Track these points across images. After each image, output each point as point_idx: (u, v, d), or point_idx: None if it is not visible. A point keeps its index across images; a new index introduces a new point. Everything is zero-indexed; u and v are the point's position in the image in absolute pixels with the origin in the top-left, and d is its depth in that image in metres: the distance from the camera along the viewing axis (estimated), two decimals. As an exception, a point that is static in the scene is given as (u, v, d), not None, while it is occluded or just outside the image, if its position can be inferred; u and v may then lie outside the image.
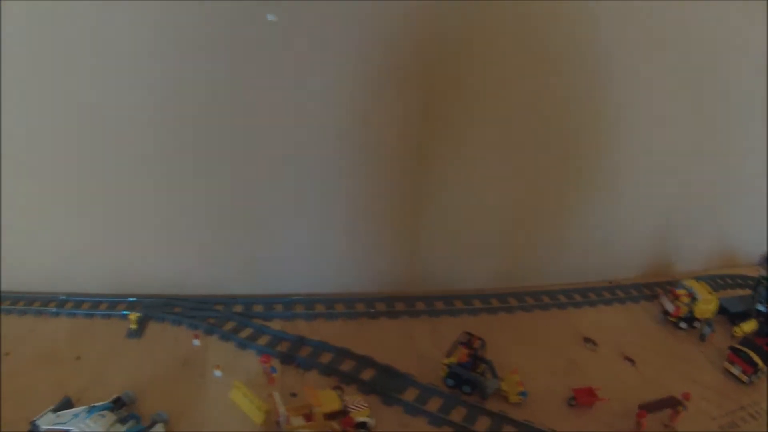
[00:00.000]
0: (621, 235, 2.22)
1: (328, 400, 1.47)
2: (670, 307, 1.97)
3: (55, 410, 1.44)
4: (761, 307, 2.01)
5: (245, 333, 1.78)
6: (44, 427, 1.39)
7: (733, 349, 1.80)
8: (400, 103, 1.80)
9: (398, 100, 1.79)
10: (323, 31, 1.68)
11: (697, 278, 2.08)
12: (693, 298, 1.96)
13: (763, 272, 2.12)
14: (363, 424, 1.47)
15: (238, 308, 1.90)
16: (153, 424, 1.41)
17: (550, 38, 1.81)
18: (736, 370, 1.77)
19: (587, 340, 1.88)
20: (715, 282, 2.26)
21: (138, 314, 1.78)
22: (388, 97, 1.78)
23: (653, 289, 2.19)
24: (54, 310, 1.87)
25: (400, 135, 1.85)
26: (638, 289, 2.20)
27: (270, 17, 1.64)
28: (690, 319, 1.96)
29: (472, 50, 1.78)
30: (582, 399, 1.61)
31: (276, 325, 1.84)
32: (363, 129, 1.82)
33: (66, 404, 1.47)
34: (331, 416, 1.44)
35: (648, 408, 1.57)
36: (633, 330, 1.97)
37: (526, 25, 1.77)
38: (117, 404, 1.45)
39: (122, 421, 1.40)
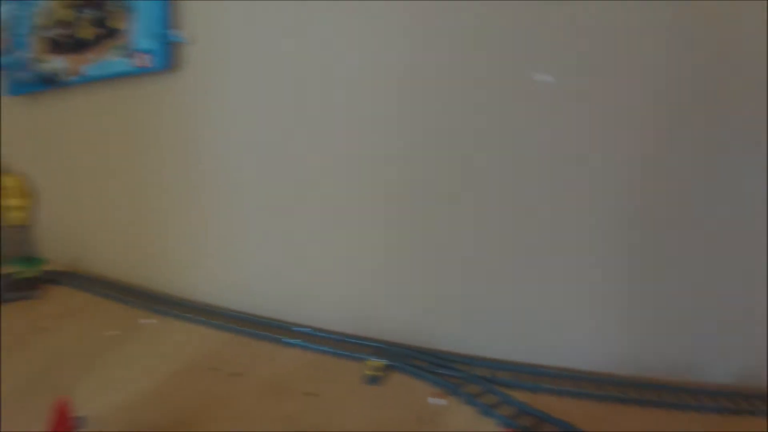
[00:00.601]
0: None
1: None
2: None
3: (285, 446, 1.35)
4: None
5: (489, 400, 1.58)
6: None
7: None
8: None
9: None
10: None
11: None
12: None
13: None
14: None
15: (482, 371, 1.71)
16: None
17: None
18: None
19: None
20: None
21: (381, 362, 1.69)
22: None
23: None
24: (291, 340, 1.84)
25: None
26: None
27: (541, 77, 1.50)
28: None
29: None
30: None
31: (520, 395, 1.62)
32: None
33: (297, 442, 1.36)
34: None
35: None
36: None
37: None
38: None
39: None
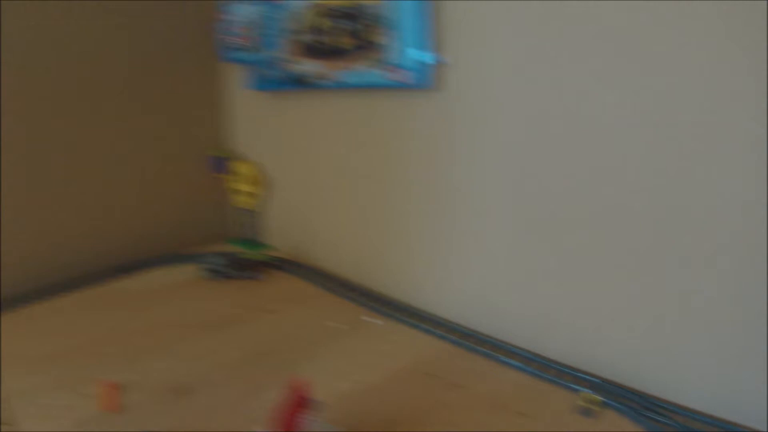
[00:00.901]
0: None
1: None
2: None
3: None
4: None
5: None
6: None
7: None
8: None
9: None
10: None
11: None
12: None
13: None
14: None
15: (685, 420, 1.63)
16: None
17: None
18: None
19: None
20: None
21: (594, 396, 1.69)
22: None
23: None
24: (504, 359, 1.89)
25: None
26: None
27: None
28: None
29: None
30: None
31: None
32: None
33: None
34: None
35: None
36: None
37: None
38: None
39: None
